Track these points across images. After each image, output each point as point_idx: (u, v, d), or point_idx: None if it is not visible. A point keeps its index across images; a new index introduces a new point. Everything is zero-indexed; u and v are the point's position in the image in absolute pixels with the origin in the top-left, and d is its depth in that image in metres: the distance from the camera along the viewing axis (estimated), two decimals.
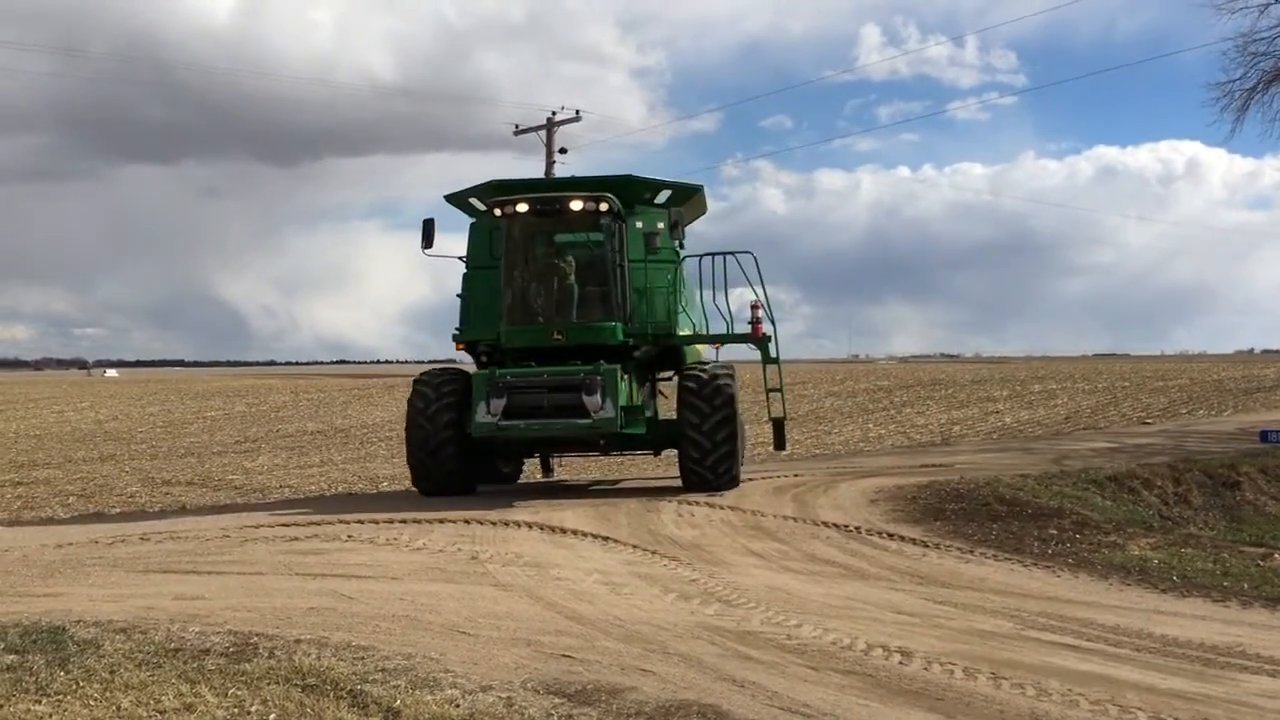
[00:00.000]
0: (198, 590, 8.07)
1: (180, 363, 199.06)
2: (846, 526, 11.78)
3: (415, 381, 14.10)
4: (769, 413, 15.10)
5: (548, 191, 14.29)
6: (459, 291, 14.73)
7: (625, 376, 13.20)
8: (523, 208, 13.56)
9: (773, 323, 14.74)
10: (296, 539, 10.63)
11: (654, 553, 10.21)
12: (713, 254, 14.56)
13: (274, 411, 41.90)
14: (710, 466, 13.58)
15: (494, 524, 11.21)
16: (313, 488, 18.58)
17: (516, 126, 29.50)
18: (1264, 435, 14.00)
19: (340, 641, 6.54)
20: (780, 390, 14.69)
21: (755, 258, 14.49)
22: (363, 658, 6.19)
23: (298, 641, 6.49)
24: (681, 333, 14.56)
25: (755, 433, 21.73)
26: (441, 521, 11.26)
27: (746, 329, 14.77)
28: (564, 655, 6.45)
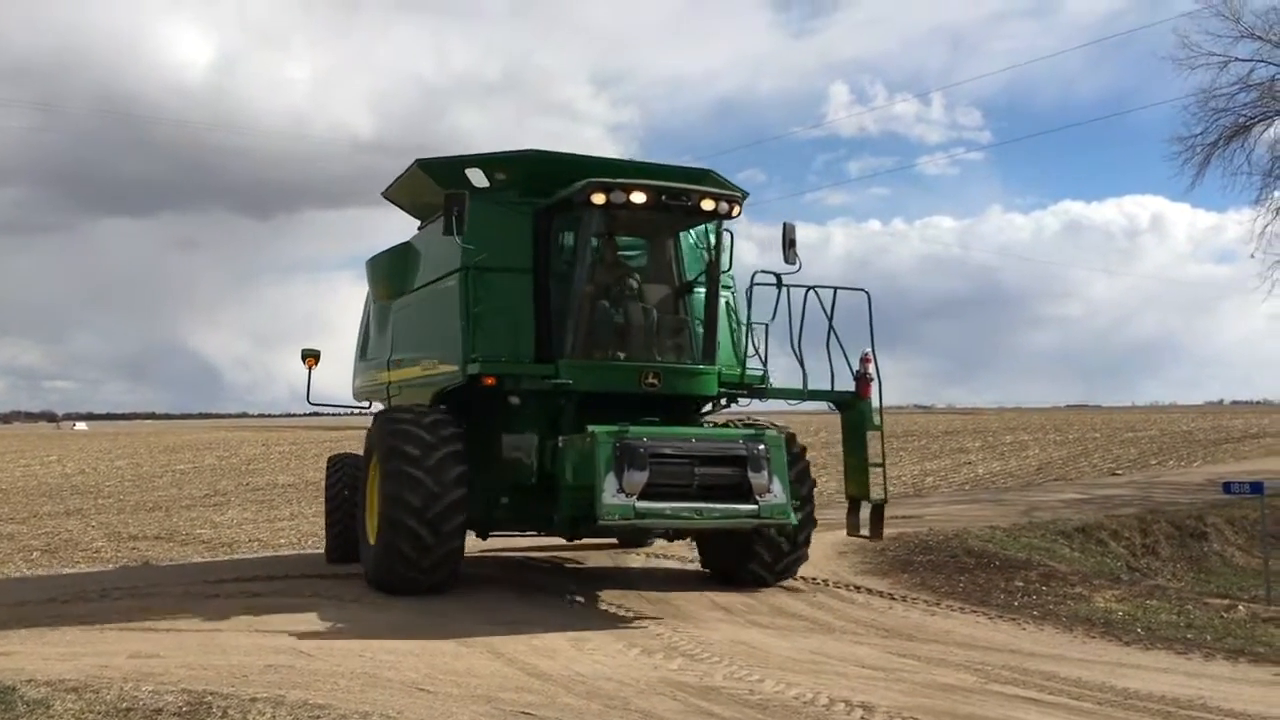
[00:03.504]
0: (154, 648, 7.95)
1: (152, 415, 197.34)
2: (814, 579, 11.75)
3: (390, 421, 10.36)
4: (856, 491, 11.38)
5: (616, 177, 10.22)
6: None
7: None
8: (639, 198, 9.90)
9: (879, 380, 11.27)
10: (259, 595, 10.53)
11: (619, 606, 10.16)
12: (798, 288, 10.84)
13: (245, 464, 41.56)
14: (792, 535, 10.74)
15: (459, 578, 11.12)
16: (282, 541, 18.41)
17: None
18: (1226, 486, 14.06)
19: (296, 700, 6.45)
20: (884, 466, 11.37)
21: (869, 297, 11.16)
22: (318, 716, 6.11)
23: (253, 700, 6.40)
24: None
25: None
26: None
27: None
28: (523, 713, 6.40)
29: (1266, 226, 25.23)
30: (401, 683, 7.02)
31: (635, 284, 10.77)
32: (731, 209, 10.31)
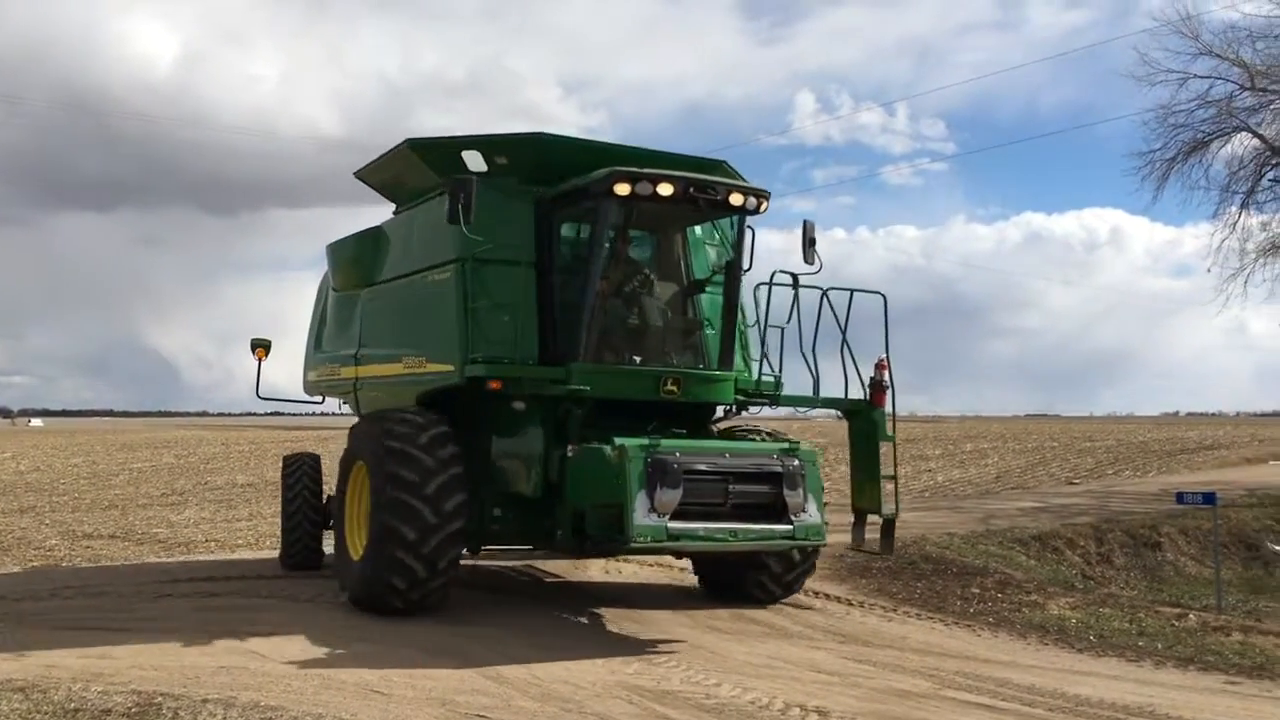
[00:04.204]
0: (105, 648, 7.86)
1: (110, 413, 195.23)
2: None
3: (383, 433, 9.32)
4: (866, 504, 10.40)
5: (616, 164, 9.45)
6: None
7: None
8: (666, 190, 9.24)
9: (892, 389, 10.41)
10: (214, 594, 10.45)
11: (581, 611, 10.16)
12: (807, 289, 10.05)
13: (203, 463, 41.09)
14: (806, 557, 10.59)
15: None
16: (240, 542, 18.20)
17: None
18: (1180, 497, 14.22)
19: (248, 701, 6.41)
20: (895, 478, 10.56)
21: (885, 299, 10.44)
22: (270, 718, 6.07)
23: (204, 701, 6.35)
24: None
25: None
26: None
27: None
28: (478, 715, 6.40)
29: (1223, 241, 25.58)
30: (357, 684, 6.98)
31: (650, 282, 10.04)
32: (760, 204, 9.68)
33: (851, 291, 10.18)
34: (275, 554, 14.04)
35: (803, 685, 7.52)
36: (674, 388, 9.53)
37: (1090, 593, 13.18)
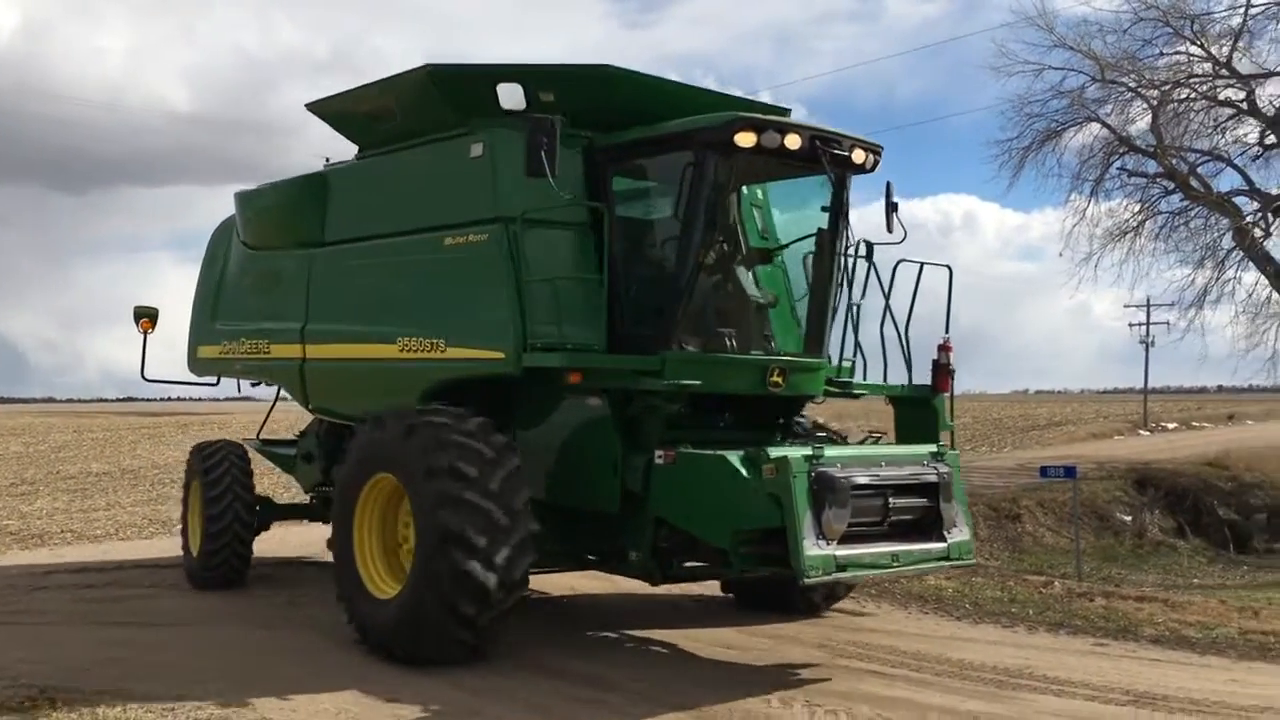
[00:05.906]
0: None
1: None
2: None
3: (419, 426, 7.44)
4: None
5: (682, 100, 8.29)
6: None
7: None
8: (794, 142, 7.67)
9: (953, 374, 9.13)
10: (92, 586, 10.09)
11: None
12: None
13: (54, 451, 39.19)
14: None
15: (316, 563, 10.86)
16: (99, 532, 17.51)
17: (328, 159, 28.34)
18: (1043, 471, 14.95)
19: (144, 693, 6.26)
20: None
21: (951, 272, 9.09)
22: (173, 709, 5.95)
23: (99, 693, 6.18)
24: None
25: None
26: (256, 565, 10.86)
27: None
28: (390, 700, 6.35)
29: (1074, 227, 26.77)
30: (258, 673, 6.86)
31: (736, 253, 8.50)
32: (876, 163, 8.30)
33: (921, 264, 8.79)
34: (147, 542, 13.58)
35: (702, 659, 7.70)
36: (779, 379, 8.15)
37: None
